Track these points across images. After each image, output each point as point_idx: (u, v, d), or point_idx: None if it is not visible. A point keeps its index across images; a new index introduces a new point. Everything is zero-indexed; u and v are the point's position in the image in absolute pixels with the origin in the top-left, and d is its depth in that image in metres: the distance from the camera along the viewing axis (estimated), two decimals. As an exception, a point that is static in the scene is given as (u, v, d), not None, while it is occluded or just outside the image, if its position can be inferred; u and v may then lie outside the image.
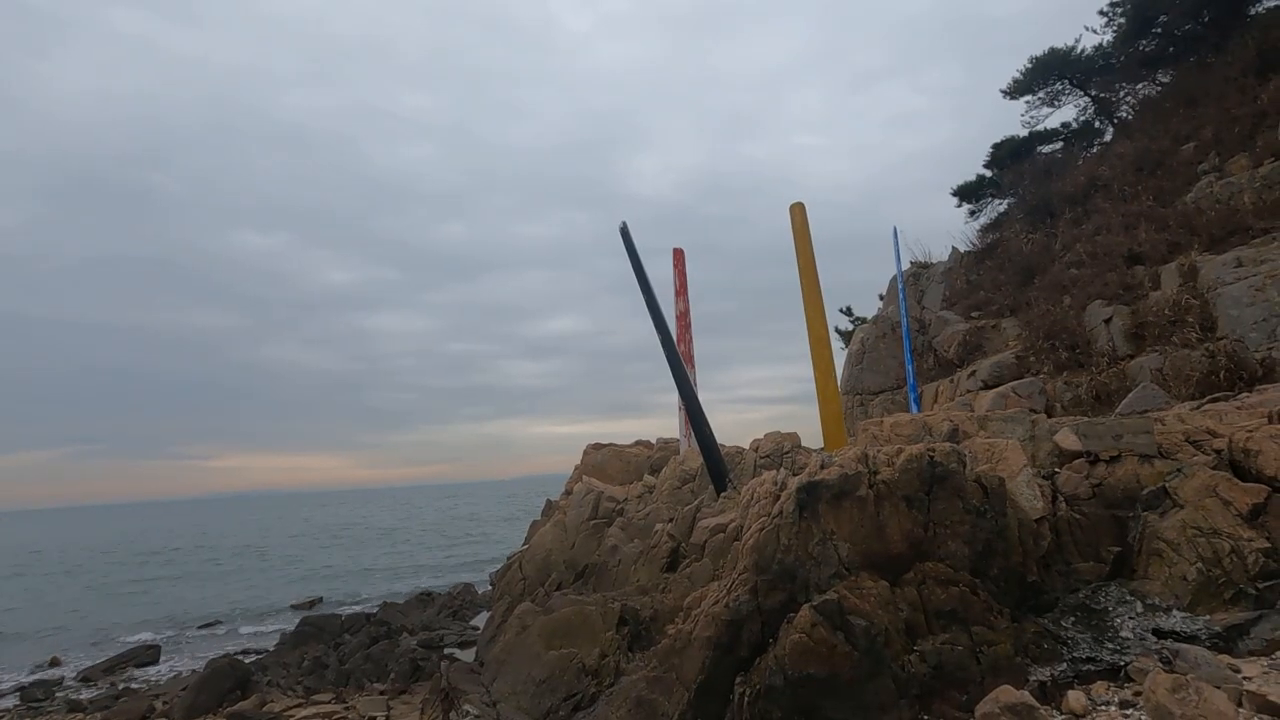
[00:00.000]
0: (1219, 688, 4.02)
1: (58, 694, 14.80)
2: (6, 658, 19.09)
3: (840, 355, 22.06)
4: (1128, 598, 5.61)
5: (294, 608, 24.24)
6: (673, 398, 12.34)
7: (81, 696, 14.33)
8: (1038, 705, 4.29)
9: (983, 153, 24.34)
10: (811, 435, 12.67)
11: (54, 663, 18.19)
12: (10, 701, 14.41)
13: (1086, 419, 7.66)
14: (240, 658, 14.96)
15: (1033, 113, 23.64)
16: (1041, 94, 23.29)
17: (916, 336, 17.73)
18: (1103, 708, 4.43)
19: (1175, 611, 5.37)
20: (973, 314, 17.37)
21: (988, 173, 24.12)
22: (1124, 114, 22.44)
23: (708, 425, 10.18)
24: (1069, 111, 23.70)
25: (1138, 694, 4.44)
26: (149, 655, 17.68)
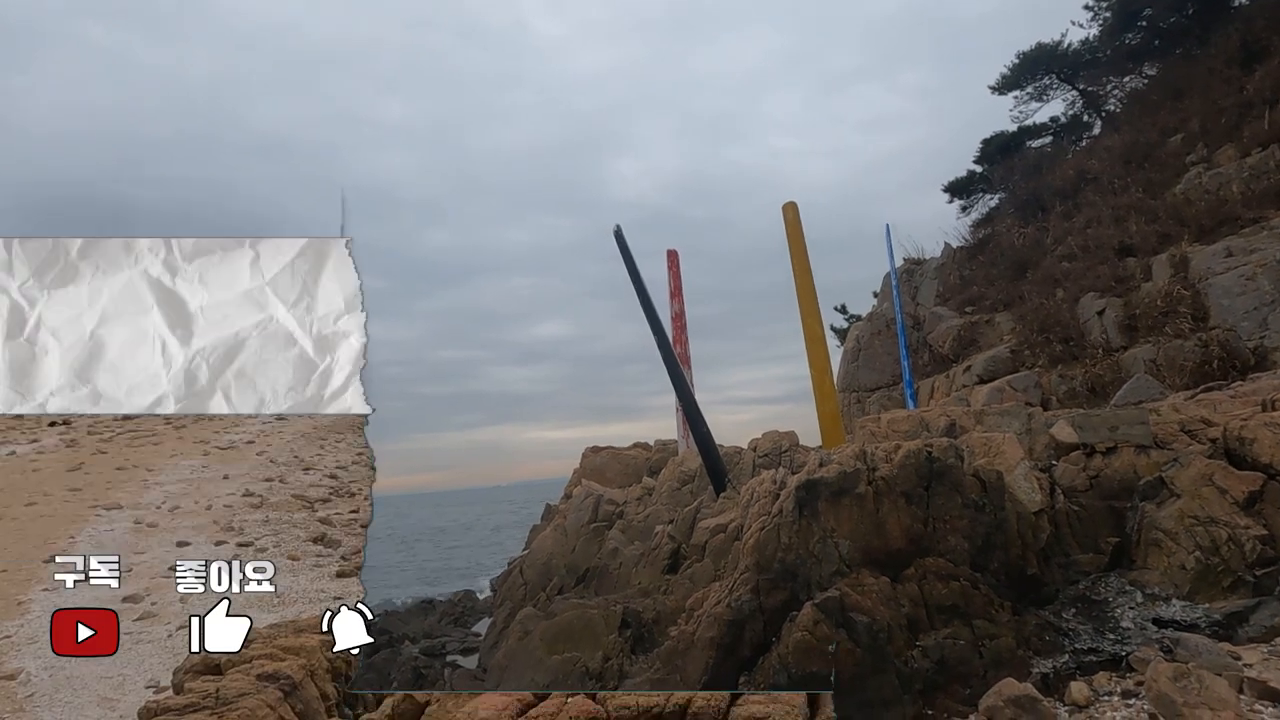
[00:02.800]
0: (1220, 675, 4.04)
1: None
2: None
3: (836, 353, 22.13)
4: (1127, 588, 5.64)
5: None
6: (665, 400, 12.35)
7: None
8: (1041, 697, 4.30)
9: (964, 150, 24.58)
10: (809, 434, 12.60)
11: None
12: None
13: (1082, 411, 7.70)
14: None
15: (1021, 107, 23.72)
16: (1030, 89, 23.38)
17: (911, 333, 17.77)
18: (1105, 698, 4.45)
19: (1175, 600, 5.40)
20: (966, 309, 17.43)
21: (978, 168, 24.21)
22: (1112, 107, 22.57)
23: (705, 425, 10.18)
24: (1057, 106, 23.82)
25: (1140, 683, 4.46)
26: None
